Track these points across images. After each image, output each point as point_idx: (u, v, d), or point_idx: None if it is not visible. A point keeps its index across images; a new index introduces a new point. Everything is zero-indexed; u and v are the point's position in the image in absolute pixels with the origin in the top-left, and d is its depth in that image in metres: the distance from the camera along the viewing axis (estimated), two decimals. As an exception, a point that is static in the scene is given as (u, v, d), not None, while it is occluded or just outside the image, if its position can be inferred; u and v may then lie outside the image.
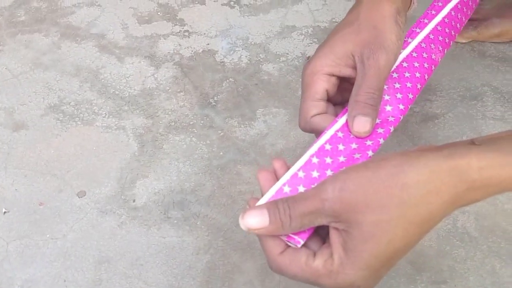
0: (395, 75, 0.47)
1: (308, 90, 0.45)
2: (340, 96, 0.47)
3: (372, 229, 0.36)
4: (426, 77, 0.48)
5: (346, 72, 0.46)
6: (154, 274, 0.54)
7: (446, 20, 0.51)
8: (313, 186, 0.39)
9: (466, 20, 0.54)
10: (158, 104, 0.70)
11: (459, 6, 0.53)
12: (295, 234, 0.38)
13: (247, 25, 0.81)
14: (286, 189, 0.40)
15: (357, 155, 0.42)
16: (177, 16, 0.82)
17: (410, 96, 0.46)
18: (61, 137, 0.66)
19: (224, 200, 0.61)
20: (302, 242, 0.38)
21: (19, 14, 0.81)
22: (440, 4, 0.52)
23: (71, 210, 0.59)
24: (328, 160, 0.41)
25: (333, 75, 0.46)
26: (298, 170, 0.41)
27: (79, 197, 0.60)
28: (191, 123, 0.68)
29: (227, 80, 0.74)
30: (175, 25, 0.81)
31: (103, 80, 0.73)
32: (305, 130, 0.46)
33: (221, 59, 0.76)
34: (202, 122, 0.69)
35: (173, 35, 0.79)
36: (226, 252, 0.56)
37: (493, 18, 0.77)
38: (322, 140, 0.43)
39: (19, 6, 0.82)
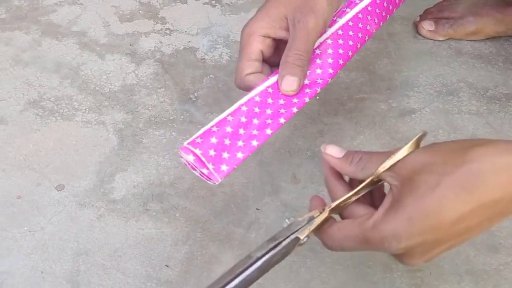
0: (329, 41, 0.50)
1: (244, 50, 0.49)
2: (278, 58, 0.50)
3: (419, 184, 0.36)
4: (359, 46, 0.52)
5: (281, 34, 0.49)
6: (132, 265, 0.54)
7: None
8: (240, 129, 0.45)
9: None
10: (139, 99, 0.71)
11: None
12: (216, 170, 0.43)
13: (228, 24, 0.82)
14: (214, 129, 0.45)
15: (282, 110, 0.46)
16: (158, 14, 0.83)
17: (341, 62, 0.50)
18: (40, 132, 0.66)
19: (203, 193, 0.61)
20: (220, 180, 0.44)
21: (-1, 12, 0.81)
22: None
23: (49, 203, 0.59)
24: (257, 110, 0.46)
25: (269, 37, 0.49)
26: (228, 115, 0.46)
27: (57, 191, 0.60)
28: (171, 118, 0.69)
29: (208, 77, 0.74)
30: (156, 23, 0.81)
31: (83, 77, 0.73)
32: (240, 87, 0.50)
33: (202, 56, 0.77)
34: (182, 117, 0.69)
35: (154, 33, 0.80)
36: (204, 243, 0.56)
37: (469, 16, 0.79)
38: (253, 93, 0.47)
39: None
